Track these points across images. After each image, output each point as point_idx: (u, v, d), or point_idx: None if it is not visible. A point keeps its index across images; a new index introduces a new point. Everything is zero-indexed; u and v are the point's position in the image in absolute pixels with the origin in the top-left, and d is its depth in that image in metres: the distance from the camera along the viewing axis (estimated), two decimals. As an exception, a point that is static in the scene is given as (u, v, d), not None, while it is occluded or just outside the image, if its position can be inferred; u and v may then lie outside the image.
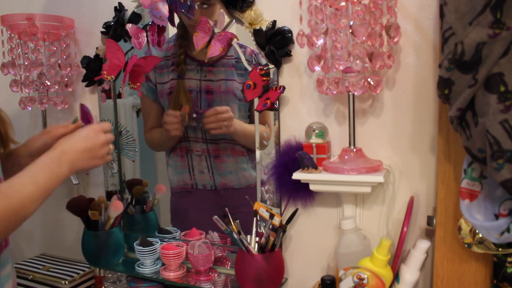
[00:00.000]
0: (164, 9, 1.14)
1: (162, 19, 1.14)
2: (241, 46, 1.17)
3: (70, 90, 1.43)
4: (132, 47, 1.27)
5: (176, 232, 1.37)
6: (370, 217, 1.05)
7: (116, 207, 1.26)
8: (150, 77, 1.35)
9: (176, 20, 1.22)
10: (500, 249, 0.81)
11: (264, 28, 1.09)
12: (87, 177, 1.51)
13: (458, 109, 0.72)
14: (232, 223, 1.06)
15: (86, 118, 1.03)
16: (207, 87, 1.29)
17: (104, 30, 1.34)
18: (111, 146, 0.94)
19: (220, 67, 1.29)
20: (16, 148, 1.02)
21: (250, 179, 1.30)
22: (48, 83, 1.38)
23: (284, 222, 1.07)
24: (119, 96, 1.42)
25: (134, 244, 1.27)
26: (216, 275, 1.22)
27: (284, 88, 1.06)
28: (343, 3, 0.84)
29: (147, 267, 1.27)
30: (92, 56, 1.37)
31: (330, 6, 0.86)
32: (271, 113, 1.15)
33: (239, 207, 1.19)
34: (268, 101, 1.07)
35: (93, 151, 0.88)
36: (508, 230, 0.73)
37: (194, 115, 1.27)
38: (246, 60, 1.17)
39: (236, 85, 1.27)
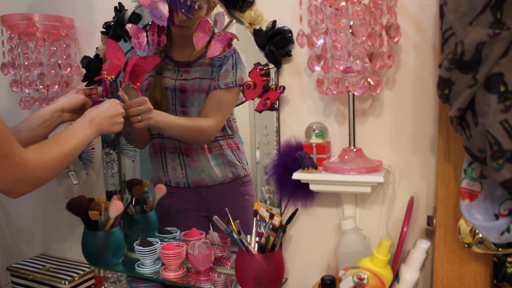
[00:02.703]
0: (164, 9, 1.14)
1: (162, 19, 1.14)
2: None
3: (70, 90, 1.43)
4: (132, 47, 1.27)
5: (176, 232, 1.37)
6: (370, 217, 1.05)
7: (116, 207, 1.26)
8: None
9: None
10: (500, 249, 0.81)
11: (264, 28, 1.09)
12: (87, 177, 1.51)
13: (458, 109, 0.72)
14: (232, 223, 1.07)
15: (107, 91, 1.26)
16: (181, 86, 1.31)
17: (104, 30, 1.34)
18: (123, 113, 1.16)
19: (197, 67, 1.31)
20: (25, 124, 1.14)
21: (220, 175, 1.34)
22: (48, 83, 1.38)
23: (284, 222, 1.07)
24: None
25: (134, 244, 1.27)
26: (216, 275, 1.22)
27: (284, 88, 1.06)
28: (343, 3, 0.84)
29: (147, 267, 1.27)
30: (92, 56, 1.37)
31: (330, 6, 0.86)
32: (223, 109, 1.25)
33: (221, 204, 1.19)
34: (268, 101, 1.07)
35: (113, 118, 1.11)
36: (508, 230, 0.73)
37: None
38: (223, 56, 1.23)
39: (209, 82, 1.28)
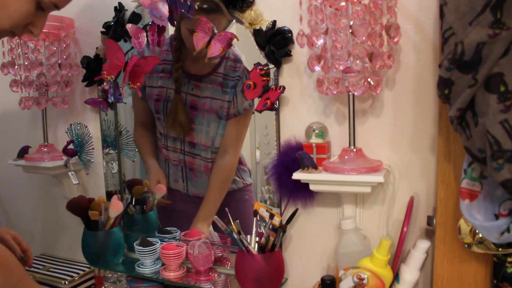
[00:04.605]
0: (164, 9, 1.13)
1: (162, 19, 1.14)
2: (237, 60, 1.21)
3: (70, 90, 1.43)
4: (132, 47, 1.27)
5: (176, 232, 1.37)
6: (370, 217, 1.05)
7: (116, 207, 1.26)
8: None
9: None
10: (500, 249, 0.81)
11: (264, 28, 1.09)
12: (87, 177, 1.51)
13: (458, 109, 0.72)
14: (232, 223, 1.07)
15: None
16: (192, 102, 1.31)
17: (104, 30, 1.33)
18: None
19: (208, 83, 1.30)
20: None
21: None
22: (48, 83, 1.38)
23: (284, 222, 1.07)
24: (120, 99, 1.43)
25: (134, 244, 1.27)
26: (216, 275, 1.22)
27: (284, 88, 1.06)
28: (343, 3, 0.84)
29: (147, 267, 1.27)
30: (92, 56, 1.37)
31: (330, 6, 0.86)
32: (243, 135, 1.26)
33: (221, 207, 1.21)
34: (268, 101, 1.07)
35: None
36: (508, 230, 0.73)
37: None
38: (237, 76, 1.23)
39: (220, 104, 1.28)
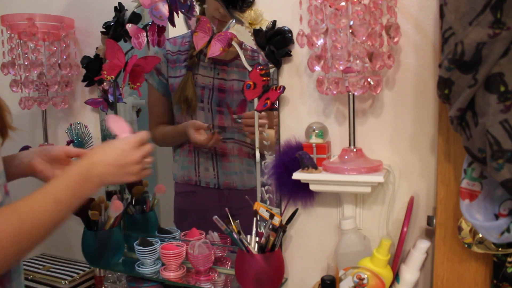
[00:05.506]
0: (164, 9, 1.14)
1: (162, 19, 1.14)
2: (254, 51, 1.17)
3: (70, 90, 1.43)
4: (132, 47, 1.27)
5: (176, 232, 1.37)
6: (370, 217, 1.05)
7: (116, 207, 1.26)
8: (162, 70, 1.36)
9: (177, 20, 1.22)
10: (500, 249, 0.81)
11: (264, 28, 1.09)
12: (87, 177, 1.51)
13: (458, 109, 0.72)
14: (232, 223, 1.06)
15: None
16: (220, 85, 1.31)
17: (104, 30, 1.34)
18: (149, 159, 0.85)
19: (234, 67, 1.30)
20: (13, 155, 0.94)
21: (255, 181, 1.29)
22: (48, 83, 1.38)
23: (284, 222, 1.07)
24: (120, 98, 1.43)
25: (134, 244, 1.27)
26: (216, 275, 1.22)
27: (284, 88, 1.06)
28: (343, 3, 0.84)
29: (147, 267, 1.27)
30: (92, 56, 1.37)
31: (330, 6, 0.86)
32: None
33: (242, 209, 1.19)
34: (268, 101, 1.07)
35: (126, 167, 0.80)
36: (508, 230, 0.73)
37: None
38: (257, 63, 1.20)
39: None
